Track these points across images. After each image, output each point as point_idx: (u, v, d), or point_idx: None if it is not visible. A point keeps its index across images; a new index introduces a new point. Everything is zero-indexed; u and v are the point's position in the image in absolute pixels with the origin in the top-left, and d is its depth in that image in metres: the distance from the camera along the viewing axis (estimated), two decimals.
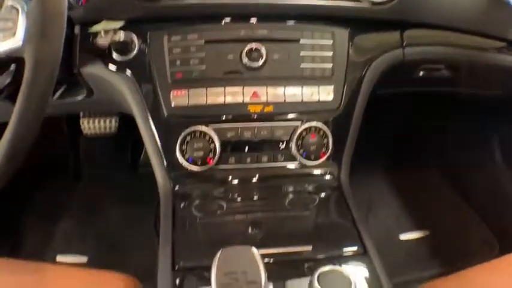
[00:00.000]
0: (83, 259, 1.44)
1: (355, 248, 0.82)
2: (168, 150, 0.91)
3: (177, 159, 0.90)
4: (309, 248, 0.81)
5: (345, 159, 0.97)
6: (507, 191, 1.47)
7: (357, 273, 0.76)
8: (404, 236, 1.57)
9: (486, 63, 1.06)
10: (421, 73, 1.07)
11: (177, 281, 0.74)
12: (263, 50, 0.90)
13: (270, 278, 0.57)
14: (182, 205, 0.90)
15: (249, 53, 0.89)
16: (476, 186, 1.62)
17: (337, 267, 0.72)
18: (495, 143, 1.54)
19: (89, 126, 1.58)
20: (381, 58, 0.98)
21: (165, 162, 0.92)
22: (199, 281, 0.73)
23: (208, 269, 0.58)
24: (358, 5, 0.94)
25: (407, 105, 1.65)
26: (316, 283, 0.69)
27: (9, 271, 0.86)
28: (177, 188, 0.92)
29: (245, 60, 0.89)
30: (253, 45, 0.90)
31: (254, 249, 0.58)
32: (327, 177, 0.97)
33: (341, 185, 0.96)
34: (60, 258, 1.44)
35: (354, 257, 0.81)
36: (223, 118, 0.91)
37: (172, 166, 0.91)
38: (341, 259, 0.80)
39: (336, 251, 0.82)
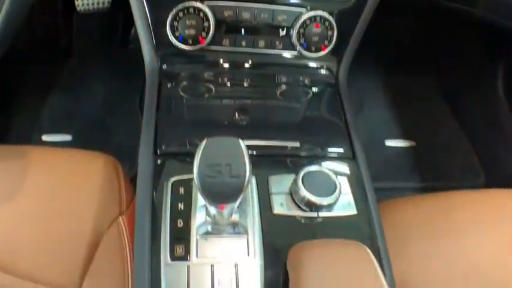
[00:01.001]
0: (67, 137, 1.41)
1: (343, 151, 0.77)
2: (158, 26, 0.81)
3: (167, 36, 0.81)
4: (296, 144, 0.76)
5: (347, 56, 0.89)
6: (503, 123, 1.40)
7: (342, 176, 0.72)
8: (390, 143, 1.54)
9: None
10: None
11: (158, 167, 0.70)
12: None
13: (253, 172, 0.52)
14: (169, 85, 0.83)
15: None
16: (472, 111, 1.55)
17: (323, 169, 0.68)
18: (500, 74, 1.44)
19: (83, 2, 1.46)
20: None
21: (154, 39, 0.83)
22: (181, 168, 0.69)
23: (191, 155, 0.53)
24: None
25: (420, 15, 1.52)
26: (300, 182, 0.65)
27: None
28: (164, 67, 0.85)
29: None
30: None
31: (241, 142, 0.53)
32: (325, 72, 0.89)
33: (338, 83, 0.89)
34: (45, 137, 1.41)
35: (342, 159, 0.76)
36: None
37: (161, 44, 0.83)
38: (328, 160, 0.76)
39: (324, 151, 0.77)
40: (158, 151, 0.72)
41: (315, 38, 0.84)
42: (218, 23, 0.80)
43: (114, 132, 1.42)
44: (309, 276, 0.53)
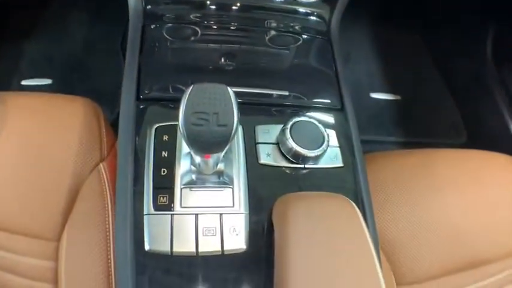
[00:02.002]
0: (48, 81, 1.35)
1: (332, 102, 0.75)
2: None
3: None
4: (285, 92, 0.73)
5: (340, 4, 0.84)
6: (489, 84, 1.37)
7: (330, 128, 0.70)
8: (375, 95, 1.51)
9: None
10: None
11: (141, 112, 0.66)
12: None
13: (240, 121, 0.49)
14: (153, 27, 0.78)
15: None
16: (458, 69, 1.52)
17: (311, 120, 0.65)
18: (490, 35, 1.40)
19: None
20: None
21: None
22: (165, 114, 0.65)
23: (176, 101, 0.49)
24: None
25: None
26: (288, 133, 0.63)
27: None
28: (149, 7, 0.79)
29: None
30: None
31: (229, 89, 0.49)
32: (317, 19, 0.85)
33: (330, 31, 0.85)
34: (25, 82, 1.36)
35: (330, 110, 0.74)
36: None
37: None
38: (316, 110, 0.73)
39: (313, 101, 0.75)
40: (141, 96, 0.68)
41: None
42: None
43: (95, 75, 1.36)
44: (294, 229, 0.52)
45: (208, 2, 0.80)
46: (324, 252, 0.51)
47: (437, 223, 0.79)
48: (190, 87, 0.47)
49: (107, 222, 0.67)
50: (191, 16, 0.80)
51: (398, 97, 1.51)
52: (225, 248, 0.56)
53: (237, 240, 0.57)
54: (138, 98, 0.68)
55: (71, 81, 1.34)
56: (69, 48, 1.43)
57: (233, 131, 0.48)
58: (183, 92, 0.47)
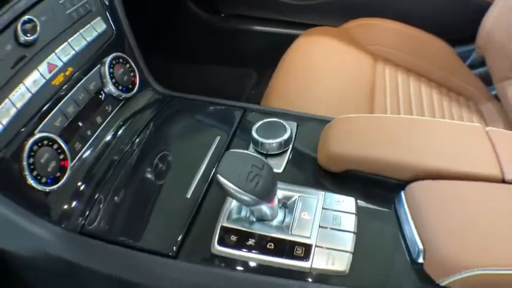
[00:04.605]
0: None
1: (234, 117, 0.83)
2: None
3: (40, 198, 0.65)
4: (210, 151, 0.76)
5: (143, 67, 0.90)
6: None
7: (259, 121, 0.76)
8: None
9: None
10: None
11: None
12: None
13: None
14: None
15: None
16: None
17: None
18: None
19: None
20: None
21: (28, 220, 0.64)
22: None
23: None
24: None
25: None
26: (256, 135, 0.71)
27: None
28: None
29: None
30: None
31: (231, 151, 0.56)
32: (153, 94, 0.89)
33: (164, 92, 0.91)
34: None
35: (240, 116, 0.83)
36: (37, 118, 0.67)
37: (46, 211, 0.65)
38: (242, 129, 0.80)
39: (226, 127, 0.81)
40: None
41: (125, 77, 0.82)
42: (63, 133, 0.69)
43: None
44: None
45: (92, 157, 0.75)
46: None
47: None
48: (219, 177, 0.52)
49: None
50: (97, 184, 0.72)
51: None
52: None
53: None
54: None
55: None
56: None
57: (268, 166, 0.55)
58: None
